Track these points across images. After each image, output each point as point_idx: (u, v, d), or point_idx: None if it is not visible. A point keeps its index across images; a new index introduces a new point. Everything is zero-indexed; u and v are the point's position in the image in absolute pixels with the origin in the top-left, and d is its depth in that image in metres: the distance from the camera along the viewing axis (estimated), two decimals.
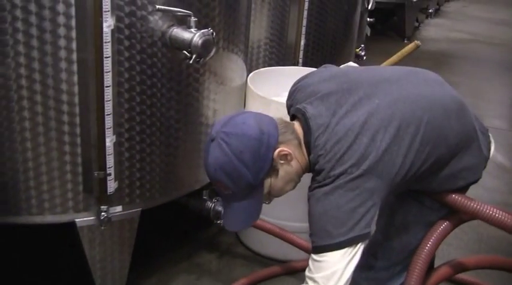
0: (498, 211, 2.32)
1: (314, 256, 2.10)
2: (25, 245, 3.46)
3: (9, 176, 2.58)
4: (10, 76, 2.41)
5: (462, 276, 3.26)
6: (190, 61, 2.56)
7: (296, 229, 3.30)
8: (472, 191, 2.99)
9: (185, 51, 2.55)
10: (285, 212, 3.37)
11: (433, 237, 2.43)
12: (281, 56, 4.11)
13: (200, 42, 2.53)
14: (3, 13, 2.31)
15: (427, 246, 2.41)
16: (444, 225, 2.45)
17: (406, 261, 2.48)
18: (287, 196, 3.32)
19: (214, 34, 2.60)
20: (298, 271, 3.41)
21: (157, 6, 2.52)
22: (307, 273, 2.13)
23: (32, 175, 2.59)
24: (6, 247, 3.37)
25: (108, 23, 2.39)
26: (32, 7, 2.32)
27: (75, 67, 2.45)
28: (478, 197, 3.51)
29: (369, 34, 6.39)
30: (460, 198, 2.38)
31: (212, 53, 2.64)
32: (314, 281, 2.08)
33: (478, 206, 2.35)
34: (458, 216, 2.49)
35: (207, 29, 2.57)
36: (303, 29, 4.06)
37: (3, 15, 2.31)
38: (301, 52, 4.13)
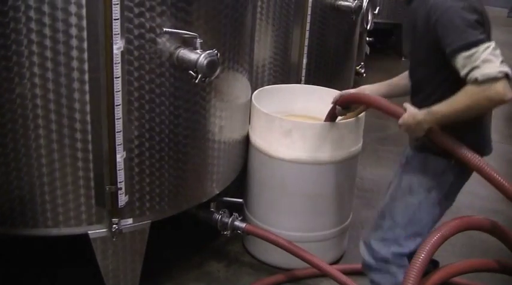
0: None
1: None
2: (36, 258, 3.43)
3: (26, 191, 2.57)
4: (26, 96, 2.41)
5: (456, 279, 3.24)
6: (196, 81, 2.53)
7: (299, 238, 3.29)
8: (465, 198, 3.06)
9: (191, 71, 2.52)
10: (290, 223, 3.35)
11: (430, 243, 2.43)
12: (285, 74, 4.08)
13: (205, 62, 2.51)
14: (20, 37, 2.30)
15: (424, 251, 2.40)
16: (437, 235, 2.43)
17: (408, 229, 2.58)
18: (291, 206, 3.32)
19: (219, 55, 2.57)
20: (300, 279, 3.38)
21: (165, 29, 2.50)
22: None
23: (48, 190, 2.58)
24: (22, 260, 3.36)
25: (118, 45, 2.37)
26: (46, 31, 2.32)
27: (87, 87, 2.44)
28: (471, 204, 3.47)
29: (368, 53, 6.37)
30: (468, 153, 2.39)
31: (217, 73, 2.61)
32: None
33: (482, 164, 2.39)
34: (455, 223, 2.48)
35: (212, 50, 2.54)
36: (305, 49, 4.03)
37: (20, 39, 2.30)
38: (303, 71, 4.10)
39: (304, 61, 4.07)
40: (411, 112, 2.44)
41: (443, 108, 2.33)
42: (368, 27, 5.03)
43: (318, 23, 4.05)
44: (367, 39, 6.14)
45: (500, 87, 2.17)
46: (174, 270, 3.37)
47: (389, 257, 2.62)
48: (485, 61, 2.18)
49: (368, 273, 2.75)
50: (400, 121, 2.48)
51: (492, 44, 2.23)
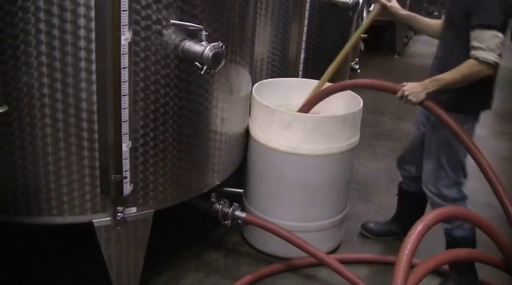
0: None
1: None
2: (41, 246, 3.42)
3: (31, 179, 2.55)
4: (33, 85, 2.39)
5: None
6: (202, 72, 2.53)
7: (297, 228, 3.29)
8: (482, 210, 3.36)
9: (197, 63, 2.51)
10: (288, 213, 3.36)
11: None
12: (283, 69, 4.07)
13: (211, 54, 2.50)
14: (28, 26, 2.29)
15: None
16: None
17: (459, 171, 3.21)
18: (290, 197, 3.33)
19: (223, 47, 2.57)
20: (298, 268, 3.39)
21: (171, 21, 2.49)
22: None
23: (53, 178, 2.57)
24: (26, 247, 3.35)
25: (126, 36, 2.36)
26: (55, 21, 2.30)
27: (94, 77, 2.42)
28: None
29: (362, 49, 6.37)
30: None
31: (222, 65, 2.60)
32: None
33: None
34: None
35: (218, 42, 2.54)
36: (303, 44, 4.02)
37: (28, 28, 2.29)
38: (301, 65, 4.09)
39: (302, 56, 4.05)
40: (414, 83, 3.04)
41: (447, 76, 2.94)
42: None
43: (316, 19, 4.03)
44: (362, 35, 6.14)
45: (490, 71, 2.85)
46: (173, 260, 3.36)
47: (457, 196, 3.23)
48: (490, 49, 2.80)
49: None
50: (406, 87, 3.03)
51: (502, 37, 2.83)
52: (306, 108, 3.48)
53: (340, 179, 3.39)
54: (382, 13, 3.54)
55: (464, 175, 3.26)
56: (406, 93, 3.03)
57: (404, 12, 3.50)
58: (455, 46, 3.05)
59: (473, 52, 2.85)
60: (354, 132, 3.34)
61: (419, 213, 3.35)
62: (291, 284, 3.30)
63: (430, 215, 2.61)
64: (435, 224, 2.67)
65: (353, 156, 3.46)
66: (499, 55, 2.83)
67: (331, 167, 3.30)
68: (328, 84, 3.52)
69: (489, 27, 2.82)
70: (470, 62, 2.87)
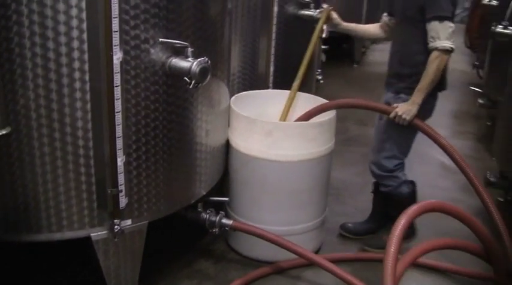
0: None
1: None
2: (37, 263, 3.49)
3: (31, 197, 2.64)
4: (30, 106, 2.49)
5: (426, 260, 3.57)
6: (190, 87, 2.67)
7: (281, 232, 3.40)
8: (427, 190, 3.49)
9: (186, 78, 2.66)
10: (272, 218, 3.51)
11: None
12: (253, 82, 4.22)
13: (198, 69, 2.65)
14: (24, 51, 2.40)
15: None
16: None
17: (402, 147, 3.63)
18: (272, 202, 3.47)
19: (209, 62, 2.72)
20: (285, 270, 3.53)
21: (160, 39, 2.63)
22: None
23: (52, 195, 2.66)
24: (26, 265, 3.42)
25: (118, 56, 2.49)
26: (50, 44, 2.42)
27: (88, 96, 2.54)
28: (432, 195, 3.77)
29: (324, 60, 6.56)
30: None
31: (208, 79, 2.75)
32: None
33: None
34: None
35: (203, 58, 2.69)
36: (272, 57, 4.19)
37: (24, 52, 2.40)
38: (271, 78, 4.26)
39: (271, 69, 4.23)
40: (405, 103, 3.45)
41: (425, 81, 3.35)
42: (323, 36, 5.21)
43: (283, 33, 4.20)
44: (322, 47, 6.34)
45: (449, 56, 3.33)
46: (165, 270, 3.47)
47: (393, 168, 3.64)
48: (447, 37, 3.26)
49: (381, 181, 3.74)
50: (398, 109, 3.44)
51: (453, 26, 3.30)
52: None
53: (320, 182, 3.56)
54: (327, 22, 3.96)
55: (406, 154, 3.70)
56: (399, 113, 3.43)
57: (344, 24, 4.00)
58: (411, 38, 3.45)
59: (432, 44, 3.29)
60: (330, 137, 3.53)
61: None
62: None
63: (412, 208, 2.81)
64: (418, 216, 2.87)
65: (330, 159, 3.64)
66: (453, 42, 3.30)
67: (312, 171, 3.47)
68: (319, 99, 3.79)
69: (443, 18, 3.26)
70: (433, 55, 3.30)
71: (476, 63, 7.46)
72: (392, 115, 3.45)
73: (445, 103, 7.50)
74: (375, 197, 3.97)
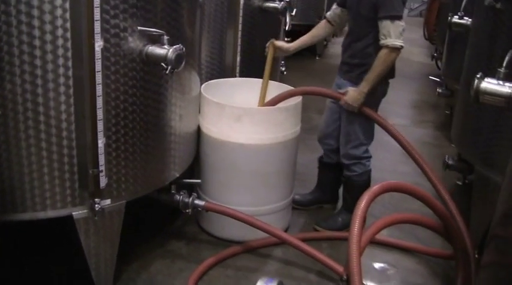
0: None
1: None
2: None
3: (16, 179, 2.80)
4: (16, 91, 2.66)
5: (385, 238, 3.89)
6: (167, 72, 2.88)
7: (250, 212, 3.61)
8: (389, 175, 3.96)
9: (162, 64, 2.86)
10: (242, 199, 3.74)
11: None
12: (221, 71, 4.44)
13: (174, 56, 2.86)
14: (12, 38, 2.57)
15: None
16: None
17: (366, 135, 3.93)
18: (242, 185, 3.69)
19: (184, 49, 2.92)
20: (255, 248, 3.77)
21: (138, 28, 2.83)
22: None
23: (36, 176, 2.83)
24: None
25: (99, 43, 2.68)
26: (36, 32, 2.59)
27: (71, 81, 2.72)
28: (393, 179, 4.06)
29: None
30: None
31: (183, 65, 2.96)
32: None
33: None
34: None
35: (178, 45, 2.90)
36: (239, 48, 4.42)
37: (11, 40, 2.57)
38: (238, 68, 4.48)
39: (238, 59, 4.46)
40: (353, 90, 3.73)
41: (373, 73, 3.63)
42: (286, 28, 5.45)
43: (249, 24, 4.43)
44: (285, 39, 6.56)
45: (398, 53, 3.60)
46: (138, 251, 3.66)
47: (361, 155, 3.95)
48: (397, 36, 3.52)
49: (349, 168, 4.00)
50: (346, 97, 3.74)
51: (403, 25, 3.55)
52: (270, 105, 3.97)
53: (287, 165, 3.80)
54: (276, 53, 4.19)
55: (371, 138, 4.02)
56: (349, 101, 3.74)
57: (293, 45, 4.21)
58: (364, 33, 3.73)
59: (384, 41, 3.56)
60: (296, 122, 3.77)
61: (338, 180, 4.22)
62: (251, 263, 3.66)
63: (374, 187, 3.06)
64: (378, 195, 3.13)
65: (297, 143, 3.88)
66: (403, 40, 3.58)
67: (279, 155, 3.71)
68: (285, 86, 4.06)
69: (394, 18, 3.52)
70: (383, 52, 3.58)
71: (435, 54, 7.83)
72: (342, 102, 3.78)
73: (405, 94, 7.92)
74: (321, 171, 4.37)
